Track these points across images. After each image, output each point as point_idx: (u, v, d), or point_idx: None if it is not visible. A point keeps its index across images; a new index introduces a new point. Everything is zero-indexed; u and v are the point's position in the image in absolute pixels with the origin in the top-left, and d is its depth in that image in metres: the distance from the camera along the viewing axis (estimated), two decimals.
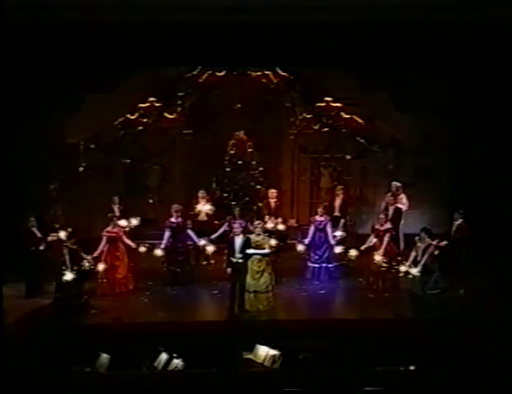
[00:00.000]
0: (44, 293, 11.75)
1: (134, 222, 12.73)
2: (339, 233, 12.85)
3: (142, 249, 12.40)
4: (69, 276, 11.06)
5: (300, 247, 12.78)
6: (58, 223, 13.06)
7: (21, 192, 13.37)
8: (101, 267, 11.77)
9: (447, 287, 11.34)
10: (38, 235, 12.11)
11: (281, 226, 13.06)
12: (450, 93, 14.21)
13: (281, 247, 12.49)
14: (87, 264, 11.37)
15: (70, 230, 11.86)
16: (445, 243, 11.59)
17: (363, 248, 12.31)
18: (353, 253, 12.31)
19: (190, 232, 12.72)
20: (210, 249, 12.61)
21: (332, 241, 12.66)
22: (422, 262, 11.17)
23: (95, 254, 11.77)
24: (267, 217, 13.06)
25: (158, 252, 12.44)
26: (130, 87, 14.38)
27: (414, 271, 11.19)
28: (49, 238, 12.22)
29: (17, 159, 13.33)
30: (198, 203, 13.60)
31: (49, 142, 14.12)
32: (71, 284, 11.08)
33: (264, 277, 11.20)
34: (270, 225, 12.65)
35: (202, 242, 12.60)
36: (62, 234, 11.98)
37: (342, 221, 13.44)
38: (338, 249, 12.53)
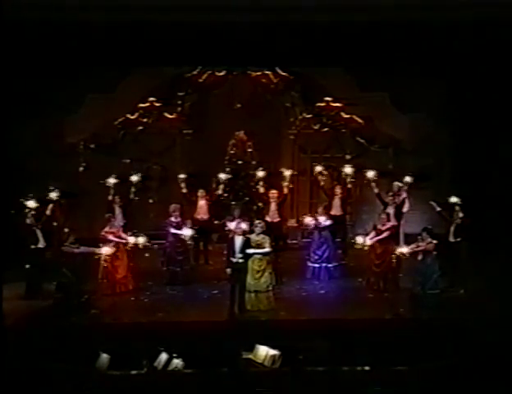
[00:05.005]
0: (44, 293, 11.74)
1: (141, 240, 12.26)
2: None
3: (141, 239, 12.08)
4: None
5: (323, 222, 12.75)
6: (57, 223, 13.06)
7: (21, 192, 13.33)
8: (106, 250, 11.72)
9: (447, 287, 11.36)
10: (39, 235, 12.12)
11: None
12: (450, 93, 14.20)
13: (280, 247, 12.44)
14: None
15: (67, 230, 11.84)
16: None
17: (368, 239, 12.17)
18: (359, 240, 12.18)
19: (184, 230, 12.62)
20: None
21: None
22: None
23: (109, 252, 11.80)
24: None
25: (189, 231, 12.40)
26: (130, 87, 14.39)
27: (405, 250, 11.46)
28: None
29: (17, 159, 13.32)
30: (197, 202, 13.61)
31: (49, 142, 14.12)
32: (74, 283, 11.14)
33: (265, 276, 11.21)
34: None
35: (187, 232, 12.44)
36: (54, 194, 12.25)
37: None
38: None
